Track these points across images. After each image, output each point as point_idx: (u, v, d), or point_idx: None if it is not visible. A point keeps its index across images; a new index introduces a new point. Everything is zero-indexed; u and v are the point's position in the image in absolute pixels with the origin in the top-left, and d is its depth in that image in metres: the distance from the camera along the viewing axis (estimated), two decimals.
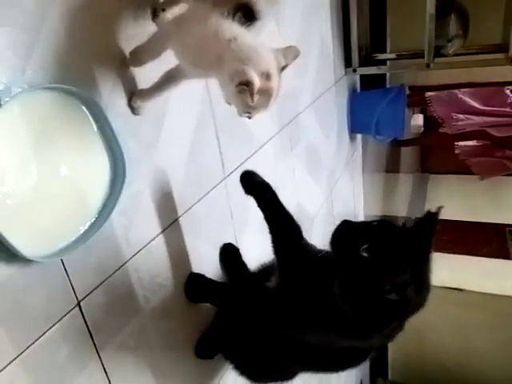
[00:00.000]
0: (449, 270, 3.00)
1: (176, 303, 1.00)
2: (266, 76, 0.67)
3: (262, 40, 0.72)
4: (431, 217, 0.78)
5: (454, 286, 3.14)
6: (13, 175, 0.60)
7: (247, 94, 0.65)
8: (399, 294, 0.70)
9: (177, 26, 0.74)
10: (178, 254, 1.01)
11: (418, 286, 0.72)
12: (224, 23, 0.68)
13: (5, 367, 0.63)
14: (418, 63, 1.86)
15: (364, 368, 3.22)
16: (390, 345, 3.22)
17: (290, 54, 0.73)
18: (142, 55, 0.80)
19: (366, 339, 0.83)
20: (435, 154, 3.97)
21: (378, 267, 0.72)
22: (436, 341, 3.21)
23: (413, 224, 0.79)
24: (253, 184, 0.97)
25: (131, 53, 0.80)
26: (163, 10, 0.85)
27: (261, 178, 0.97)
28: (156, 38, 0.79)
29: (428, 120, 3.33)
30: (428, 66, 1.80)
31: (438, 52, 1.87)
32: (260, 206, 0.95)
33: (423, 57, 1.84)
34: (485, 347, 3.11)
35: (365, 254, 0.74)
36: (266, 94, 0.68)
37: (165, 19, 0.85)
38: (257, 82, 0.65)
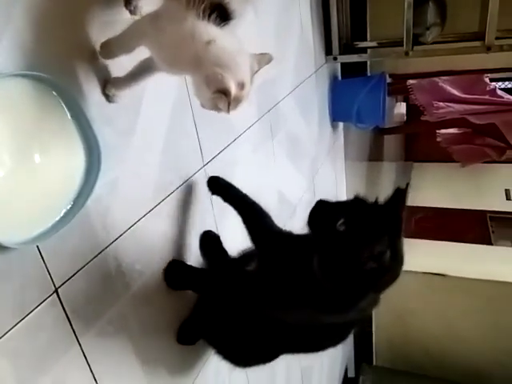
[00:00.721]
0: (432, 256, 3.06)
1: (156, 290, 1.01)
2: (241, 85, 0.70)
3: (237, 40, 0.73)
4: (400, 193, 0.81)
5: (436, 272, 3.21)
6: None
7: (223, 101, 0.67)
8: (377, 261, 0.74)
9: (151, 24, 0.73)
10: (158, 241, 1.02)
11: (393, 255, 0.75)
12: (200, 25, 0.68)
13: None
14: (398, 51, 1.88)
15: (349, 354, 3.29)
16: (374, 331, 3.29)
17: (263, 60, 0.75)
18: (113, 49, 0.79)
19: (345, 313, 0.86)
20: (419, 143, 4.02)
21: (355, 239, 0.75)
22: (420, 326, 3.28)
23: (384, 200, 0.82)
24: (218, 185, 1.10)
25: (102, 45, 0.79)
26: None
27: (225, 180, 1.10)
28: (129, 33, 0.78)
29: (411, 108, 3.37)
30: (407, 53, 1.83)
31: (417, 40, 1.89)
32: (228, 201, 1.05)
33: (402, 45, 1.87)
34: (468, 332, 3.19)
35: (341, 228, 0.78)
36: (237, 100, 0.71)
37: (138, 7, 0.85)
38: (234, 92, 0.68)
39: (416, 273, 2.87)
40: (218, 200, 1.24)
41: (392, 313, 3.10)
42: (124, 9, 0.84)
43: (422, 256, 2.99)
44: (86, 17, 0.78)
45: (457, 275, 3.23)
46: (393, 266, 0.76)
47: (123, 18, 0.84)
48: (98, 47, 0.79)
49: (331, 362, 2.78)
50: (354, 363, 3.32)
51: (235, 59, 0.69)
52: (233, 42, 0.71)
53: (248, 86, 0.71)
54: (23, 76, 0.64)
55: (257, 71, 0.74)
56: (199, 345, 1.16)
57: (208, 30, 0.68)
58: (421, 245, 3.07)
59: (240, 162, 1.35)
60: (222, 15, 0.68)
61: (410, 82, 2.80)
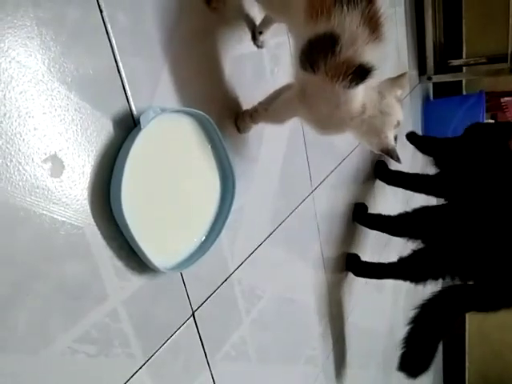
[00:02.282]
0: None
1: (272, 317, 1.02)
2: (397, 124, 0.74)
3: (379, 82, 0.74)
4: None
5: None
6: (149, 189, 0.65)
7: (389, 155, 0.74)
8: None
9: (301, 103, 0.75)
10: (273, 267, 1.03)
11: None
12: (350, 94, 0.67)
13: (136, 371, 0.67)
14: (500, 68, 1.78)
15: None
16: (467, 366, 3.04)
17: (402, 81, 0.77)
18: (264, 121, 0.84)
19: None
20: None
21: None
22: None
23: None
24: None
25: (252, 114, 0.83)
26: (260, 32, 0.89)
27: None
28: (281, 112, 0.82)
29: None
30: None
31: None
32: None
33: (504, 61, 1.77)
34: None
35: None
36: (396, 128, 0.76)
37: (264, 42, 0.89)
38: (394, 145, 0.73)
39: None
40: (322, 224, 1.24)
41: (488, 346, 2.85)
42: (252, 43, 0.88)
43: None
44: (221, 57, 0.82)
45: None
46: None
47: (251, 51, 0.89)
48: (230, 79, 0.83)
49: None
50: None
51: (386, 109, 0.71)
52: (378, 92, 0.72)
53: (401, 118, 0.73)
54: (177, 111, 0.69)
55: (401, 93, 0.75)
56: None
57: (358, 96, 0.68)
58: None
59: (344, 183, 1.35)
60: (365, 74, 0.65)
61: (505, 99, 2.64)
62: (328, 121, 0.74)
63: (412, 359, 1.17)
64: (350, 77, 0.63)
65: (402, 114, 0.74)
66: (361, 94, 0.69)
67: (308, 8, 0.63)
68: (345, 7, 0.59)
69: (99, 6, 0.58)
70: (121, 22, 0.61)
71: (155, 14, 0.67)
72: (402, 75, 0.77)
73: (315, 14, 0.61)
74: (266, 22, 0.88)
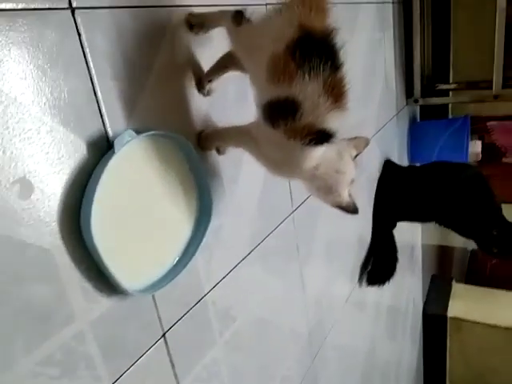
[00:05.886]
0: None
1: (246, 338, 1.01)
2: (351, 182, 0.74)
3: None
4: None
5: None
6: (121, 213, 0.65)
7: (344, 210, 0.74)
8: None
9: (252, 150, 0.75)
10: (249, 288, 1.03)
11: None
12: (303, 154, 0.66)
13: None
14: (486, 94, 1.82)
15: None
16: None
17: (361, 144, 0.77)
18: (212, 145, 0.84)
19: None
20: (496, 185, 3.77)
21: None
22: None
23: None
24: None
25: (203, 137, 0.81)
26: (209, 81, 0.82)
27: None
28: (231, 142, 0.83)
29: (486, 148, 3.21)
30: (496, 97, 1.76)
31: (506, 82, 1.82)
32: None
33: (489, 87, 1.80)
34: None
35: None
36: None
37: (211, 91, 0.83)
38: (349, 201, 0.73)
39: (498, 327, 2.64)
40: (302, 245, 1.25)
41: (470, 370, 2.85)
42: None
43: (504, 309, 2.75)
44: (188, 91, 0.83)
45: None
46: None
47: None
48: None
49: None
50: None
51: (343, 169, 0.71)
52: (337, 151, 0.71)
53: (354, 176, 0.74)
54: (153, 135, 0.69)
55: (357, 155, 0.76)
56: None
57: (313, 156, 0.67)
58: (502, 296, 2.83)
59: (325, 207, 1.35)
60: (323, 138, 0.65)
61: (491, 123, 2.70)
62: (276, 167, 0.74)
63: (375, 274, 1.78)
64: (307, 138, 0.63)
65: (355, 170, 0.74)
66: (317, 155, 0.68)
67: (270, 69, 0.61)
68: (307, 76, 0.58)
69: (77, 30, 0.58)
70: (99, 46, 0.61)
71: (135, 40, 0.67)
72: (361, 138, 0.77)
73: (277, 77, 0.60)
74: (220, 70, 0.81)
